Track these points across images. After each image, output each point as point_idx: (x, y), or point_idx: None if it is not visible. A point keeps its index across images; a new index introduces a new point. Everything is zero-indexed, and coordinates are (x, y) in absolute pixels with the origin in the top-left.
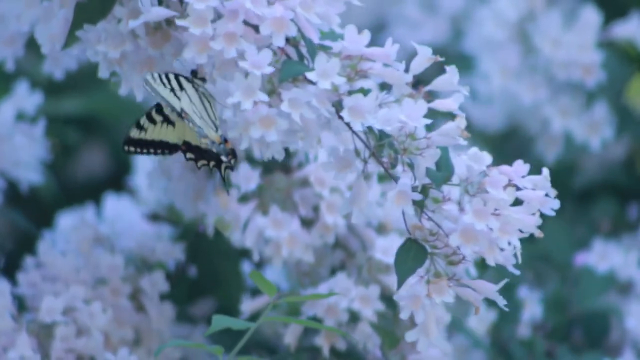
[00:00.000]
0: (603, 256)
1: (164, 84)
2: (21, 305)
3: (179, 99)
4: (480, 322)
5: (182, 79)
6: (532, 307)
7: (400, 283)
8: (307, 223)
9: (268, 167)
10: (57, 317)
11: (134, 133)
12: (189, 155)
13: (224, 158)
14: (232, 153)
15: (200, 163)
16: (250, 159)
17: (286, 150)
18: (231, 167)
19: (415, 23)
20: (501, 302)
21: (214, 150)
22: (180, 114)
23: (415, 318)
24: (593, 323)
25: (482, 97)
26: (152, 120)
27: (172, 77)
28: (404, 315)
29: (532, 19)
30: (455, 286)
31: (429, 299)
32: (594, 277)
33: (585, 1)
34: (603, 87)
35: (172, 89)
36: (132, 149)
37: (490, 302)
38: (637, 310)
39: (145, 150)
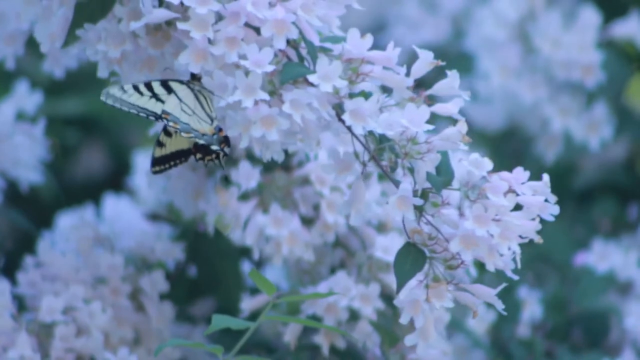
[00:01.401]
0: (603, 256)
1: (140, 93)
2: (21, 304)
3: (163, 102)
4: (479, 322)
5: (171, 83)
6: (532, 307)
7: (399, 287)
8: (307, 221)
9: (268, 166)
10: (56, 316)
11: (157, 152)
12: (198, 155)
13: (214, 147)
14: (225, 141)
15: (206, 159)
16: (251, 157)
17: (286, 149)
18: (225, 154)
19: (416, 23)
20: (499, 305)
21: (202, 142)
22: (159, 117)
23: (415, 322)
24: (593, 323)
25: (482, 97)
26: (169, 134)
27: (156, 84)
28: (403, 319)
29: (532, 19)
30: (454, 290)
31: (428, 303)
32: (594, 277)
33: (584, 1)
34: (603, 87)
35: (155, 95)
36: (158, 168)
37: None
38: (637, 310)
39: (169, 165)
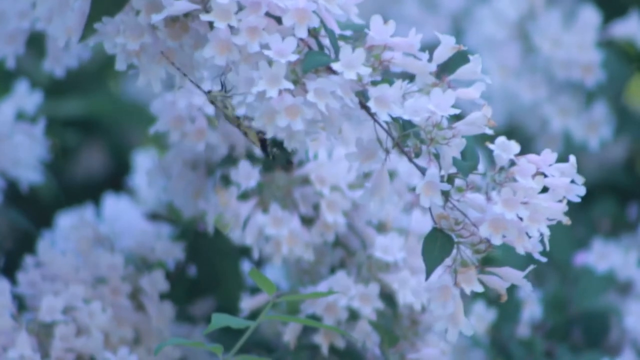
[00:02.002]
0: (602, 256)
1: None
2: (21, 304)
3: None
4: (479, 321)
5: None
6: (532, 306)
7: (428, 273)
8: (307, 221)
9: (268, 165)
10: (56, 316)
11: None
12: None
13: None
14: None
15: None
16: (251, 157)
17: (285, 148)
18: (267, 146)
19: (416, 22)
20: (528, 288)
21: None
22: None
23: (445, 309)
24: (592, 323)
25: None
26: None
27: None
28: (434, 306)
29: (532, 18)
30: (481, 274)
31: (457, 288)
32: (594, 277)
33: (584, 1)
34: (602, 87)
35: None
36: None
37: (490, 302)
38: (637, 309)
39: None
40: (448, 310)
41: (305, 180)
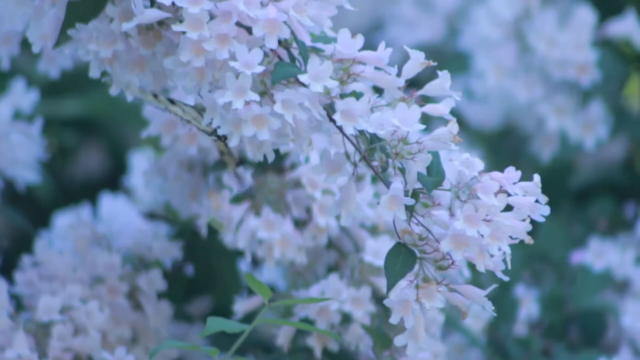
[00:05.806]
0: (599, 254)
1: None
2: (18, 304)
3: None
4: (476, 320)
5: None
6: (529, 305)
7: (389, 287)
8: (299, 224)
9: (261, 168)
10: (54, 316)
11: None
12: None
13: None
14: (224, 137)
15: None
16: (243, 160)
17: (278, 151)
18: (225, 144)
19: (411, 22)
20: (489, 307)
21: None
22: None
23: (405, 323)
24: (589, 321)
25: (478, 96)
26: None
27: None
28: (394, 319)
29: (528, 18)
30: (444, 291)
31: (418, 303)
32: (591, 276)
33: (580, 0)
34: (598, 86)
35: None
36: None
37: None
38: (634, 308)
39: None
40: (408, 324)
41: (297, 184)
